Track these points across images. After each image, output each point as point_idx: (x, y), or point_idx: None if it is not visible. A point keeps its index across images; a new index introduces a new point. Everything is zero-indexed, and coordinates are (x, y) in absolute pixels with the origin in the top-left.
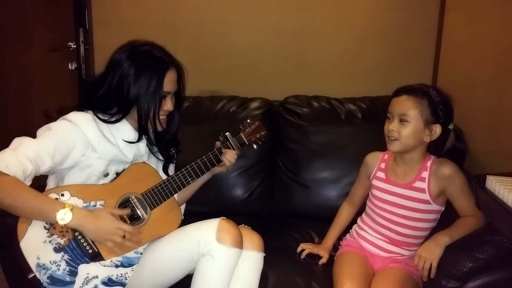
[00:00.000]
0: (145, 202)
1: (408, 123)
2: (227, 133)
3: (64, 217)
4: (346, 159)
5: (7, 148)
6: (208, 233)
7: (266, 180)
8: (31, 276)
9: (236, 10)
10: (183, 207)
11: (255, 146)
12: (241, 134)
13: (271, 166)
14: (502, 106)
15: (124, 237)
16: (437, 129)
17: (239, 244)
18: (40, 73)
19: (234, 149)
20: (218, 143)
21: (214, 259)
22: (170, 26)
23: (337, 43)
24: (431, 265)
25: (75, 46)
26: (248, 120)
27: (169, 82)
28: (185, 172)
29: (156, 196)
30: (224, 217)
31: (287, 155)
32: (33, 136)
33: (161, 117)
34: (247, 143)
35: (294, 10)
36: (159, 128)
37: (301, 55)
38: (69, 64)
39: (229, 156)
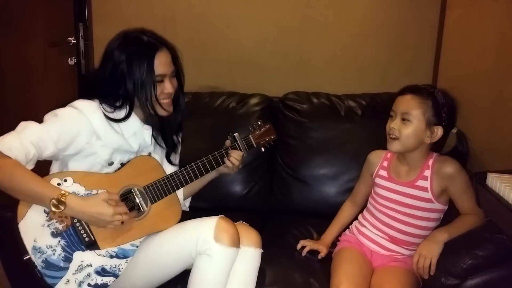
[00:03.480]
0: (146, 195)
1: (410, 123)
2: (235, 134)
3: (58, 204)
4: (345, 156)
5: (12, 131)
6: (206, 231)
7: (265, 176)
8: (27, 257)
9: (236, 5)
10: (188, 200)
11: (263, 149)
12: (250, 136)
13: (270, 162)
14: (503, 103)
15: (122, 222)
16: (439, 131)
17: (237, 244)
18: (39, 67)
19: (241, 150)
20: (227, 142)
21: (212, 258)
22: (170, 21)
23: (337, 39)
24: (430, 262)
25: (74, 41)
26: (259, 122)
27: (161, 64)
28: (189, 169)
29: (158, 190)
30: (223, 216)
31: (286, 151)
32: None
33: (164, 101)
34: (255, 145)
35: (294, 5)
36: (164, 113)
37: (301, 51)
38: (69, 59)
39: (233, 158)
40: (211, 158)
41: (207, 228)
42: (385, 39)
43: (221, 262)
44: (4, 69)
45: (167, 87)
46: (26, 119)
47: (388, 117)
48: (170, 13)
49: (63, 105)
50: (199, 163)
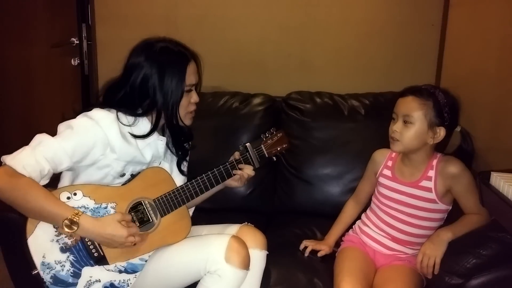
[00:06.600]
0: (156, 208)
1: (411, 125)
2: (247, 144)
3: (71, 225)
4: (348, 155)
5: (26, 146)
6: (217, 251)
7: (268, 176)
8: (35, 272)
9: (238, 5)
10: (191, 210)
11: (274, 159)
12: (262, 145)
13: (274, 162)
14: (507, 102)
15: (134, 244)
16: (441, 132)
17: (247, 266)
18: (42, 68)
19: (252, 161)
20: (237, 153)
21: (222, 279)
22: (173, 21)
23: (340, 39)
24: (434, 261)
25: (77, 42)
26: (271, 130)
27: (192, 74)
28: (200, 181)
29: (168, 203)
30: (235, 235)
31: (289, 151)
32: (36, 132)
33: (191, 110)
34: (267, 155)
35: (297, 5)
36: (190, 123)
37: (304, 51)
38: (72, 59)
39: (242, 171)
40: (222, 169)
41: (218, 247)
42: (388, 38)
43: (231, 283)
44: (7, 69)
45: (194, 97)
46: (30, 119)
47: (391, 117)
48: (172, 13)
49: (68, 107)
50: (210, 175)
